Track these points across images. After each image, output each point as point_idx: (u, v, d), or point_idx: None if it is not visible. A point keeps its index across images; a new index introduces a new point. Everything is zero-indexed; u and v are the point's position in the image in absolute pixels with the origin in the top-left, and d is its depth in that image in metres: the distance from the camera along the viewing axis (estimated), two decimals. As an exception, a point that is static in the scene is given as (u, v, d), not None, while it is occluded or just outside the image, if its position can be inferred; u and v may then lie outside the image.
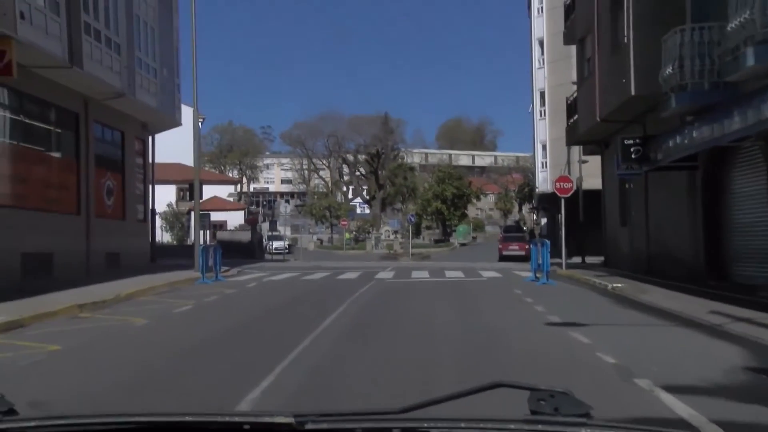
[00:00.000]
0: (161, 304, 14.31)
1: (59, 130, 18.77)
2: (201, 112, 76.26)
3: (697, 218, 16.04)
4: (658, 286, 15.35)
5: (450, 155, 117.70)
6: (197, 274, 20.90)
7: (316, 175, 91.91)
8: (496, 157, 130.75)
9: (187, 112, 63.60)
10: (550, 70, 41.88)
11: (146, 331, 11.00)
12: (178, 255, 42.27)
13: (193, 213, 29.73)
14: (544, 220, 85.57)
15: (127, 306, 14.05)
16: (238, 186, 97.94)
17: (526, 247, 45.30)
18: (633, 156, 16.02)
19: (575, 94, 23.60)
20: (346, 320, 11.81)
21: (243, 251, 42.93)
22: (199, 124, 73.63)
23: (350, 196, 79.52)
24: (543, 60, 42.38)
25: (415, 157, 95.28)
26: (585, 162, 38.89)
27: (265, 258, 45.31)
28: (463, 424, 1.28)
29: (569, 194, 22.98)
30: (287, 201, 58.41)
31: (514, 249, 44.56)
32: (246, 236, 44.52)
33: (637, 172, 18.82)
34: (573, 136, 23.74)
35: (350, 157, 76.03)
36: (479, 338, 9.73)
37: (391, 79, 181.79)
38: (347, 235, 69.76)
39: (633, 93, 16.20)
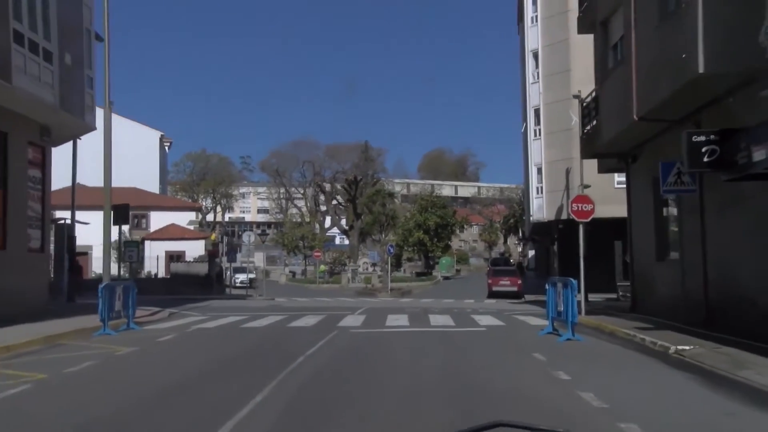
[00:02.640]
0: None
1: None
2: (169, 136, 70.50)
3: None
4: (756, 353, 10.03)
5: (432, 185, 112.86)
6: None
7: (292, 205, 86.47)
8: (479, 187, 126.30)
9: (135, 128, 58.19)
10: (545, 85, 37.09)
11: None
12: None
13: (123, 239, 24.04)
14: (532, 252, 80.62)
15: None
16: (201, 213, 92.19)
17: (518, 282, 40.13)
18: (705, 159, 10.81)
19: (593, 94, 18.50)
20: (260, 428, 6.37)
21: (200, 285, 37.36)
22: (166, 147, 68.00)
23: (327, 225, 74.09)
24: (538, 74, 37.62)
25: (396, 187, 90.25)
26: (587, 187, 33.88)
27: (225, 293, 39.63)
28: None
29: (589, 218, 17.80)
30: (253, 230, 52.81)
31: (506, 284, 39.36)
32: (205, 269, 38.90)
33: (689, 189, 13.68)
34: (591, 148, 18.60)
35: (327, 185, 70.74)
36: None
37: (371, 109, 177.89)
38: (322, 268, 64.31)
39: (701, 70, 11.08)
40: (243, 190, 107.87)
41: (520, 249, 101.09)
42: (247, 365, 10.75)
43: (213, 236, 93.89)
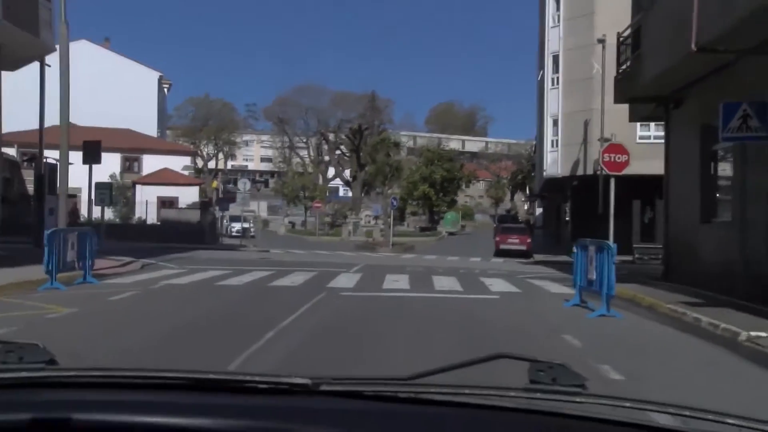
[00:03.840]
0: None
1: None
2: (169, 78, 67.41)
3: None
4: None
5: (440, 139, 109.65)
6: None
7: (295, 154, 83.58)
8: (487, 143, 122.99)
9: (132, 67, 55.10)
10: (566, 29, 34.01)
11: None
12: (107, 236, 34.18)
13: (62, 187, 21.55)
14: (539, 210, 77.95)
15: None
16: (201, 158, 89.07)
17: (528, 240, 37.69)
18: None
19: (635, 26, 15.67)
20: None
21: (191, 234, 35.11)
22: (165, 90, 64.96)
23: (330, 176, 71.46)
24: (558, 17, 34.49)
25: (403, 139, 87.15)
26: (608, 140, 31.09)
27: (217, 243, 37.38)
28: (467, 390, 1.34)
29: (623, 170, 15.26)
30: (249, 178, 50.34)
31: (514, 243, 36.95)
32: (197, 216, 36.56)
33: (759, 136, 11.09)
34: (627, 90, 15.83)
35: (331, 135, 67.84)
36: None
37: (380, 59, 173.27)
38: (326, 219, 61.94)
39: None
40: (246, 137, 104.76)
41: (527, 206, 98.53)
42: (200, 340, 8.39)
43: (214, 183, 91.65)
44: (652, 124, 32.62)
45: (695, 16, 11.23)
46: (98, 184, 19.69)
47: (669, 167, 16.08)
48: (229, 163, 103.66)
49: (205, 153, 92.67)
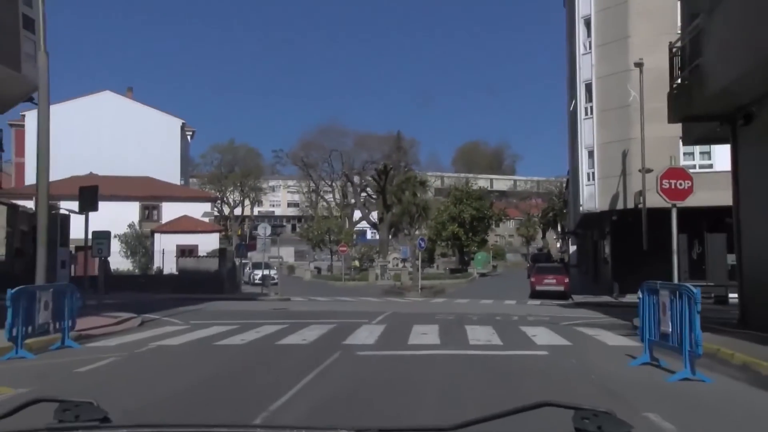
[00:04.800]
0: None
1: None
2: (191, 124, 66.63)
3: None
4: None
5: (467, 178, 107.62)
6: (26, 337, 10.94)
7: (321, 198, 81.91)
8: (515, 181, 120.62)
9: (154, 115, 54.25)
10: (599, 56, 31.95)
11: None
12: (122, 287, 32.49)
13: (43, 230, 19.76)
14: (573, 248, 74.98)
15: None
16: (226, 204, 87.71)
17: (566, 280, 35.10)
18: None
19: (692, 33, 13.49)
20: None
21: (209, 283, 33.29)
22: (189, 137, 64.20)
23: (356, 219, 69.54)
24: (590, 44, 32.49)
25: (430, 179, 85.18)
26: (649, 171, 28.72)
27: (238, 292, 35.44)
28: None
29: (686, 198, 12.96)
30: (273, 224, 48.63)
31: (551, 283, 34.43)
32: (215, 265, 34.74)
33: None
34: (685, 106, 13.58)
35: (356, 177, 66.11)
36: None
37: (405, 100, 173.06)
38: (355, 263, 59.83)
39: None
40: (272, 182, 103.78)
41: (559, 244, 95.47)
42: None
43: (240, 231, 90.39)
44: (697, 152, 30.23)
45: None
46: (95, 234, 17.88)
47: (738, 194, 13.73)
48: (256, 209, 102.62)
49: (230, 200, 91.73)
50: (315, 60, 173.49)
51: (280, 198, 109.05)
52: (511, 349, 11.74)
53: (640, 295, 9.87)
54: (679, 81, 13.87)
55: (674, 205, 12.95)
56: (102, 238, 18.59)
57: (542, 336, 13.68)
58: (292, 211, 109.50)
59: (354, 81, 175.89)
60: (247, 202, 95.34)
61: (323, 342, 12.75)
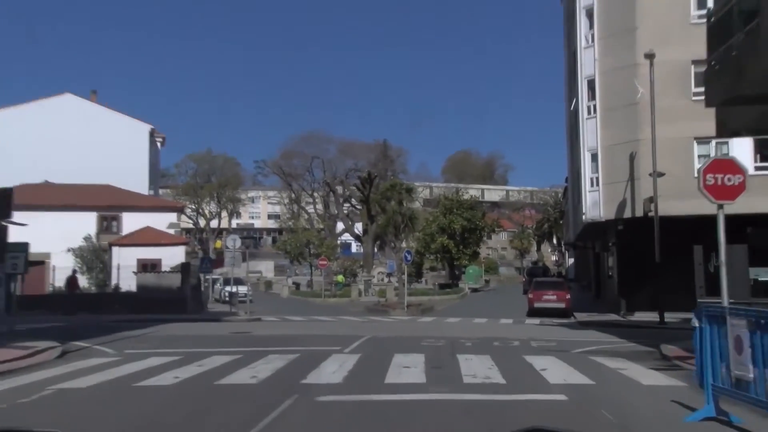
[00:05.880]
0: None
1: None
2: (162, 131, 64.05)
3: None
4: None
5: (457, 189, 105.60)
6: None
7: (303, 210, 79.40)
8: (508, 191, 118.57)
9: (119, 119, 51.61)
10: (603, 49, 29.80)
11: None
12: (70, 309, 29.76)
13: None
14: (571, 261, 72.73)
15: None
16: (196, 216, 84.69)
17: (567, 297, 32.75)
18: None
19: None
20: None
21: (171, 303, 30.68)
22: (158, 144, 61.62)
23: (339, 230, 67.00)
24: (592, 36, 30.33)
25: (418, 189, 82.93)
26: (661, 175, 26.51)
27: (206, 311, 32.88)
28: None
29: (736, 198, 10.64)
30: (247, 236, 46.04)
31: (551, 300, 32.09)
32: (178, 281, 32.10)
33: None
34: (733, 83, 11.26)
35: (339, 187, 63.64)
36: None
37: (394, 110, 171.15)
38: (340, 278, 57.20)
39: None
40: (252, 194, 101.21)
41: (554, 257, 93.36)
42: None
43: (218, 243, 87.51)
44: (713, 153, 28.04)
45: None
46: (10, 246, 15.20)
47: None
48: (234, 222, 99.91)
49: (207, 211, 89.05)
50: (301, 68, 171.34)
51: (260, 210, 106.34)
52: (518, 390, 9.31)
53: (696, 323, 7.49)
54: (715, 60, 11.55)
55: (721, 206, 10.61)
56: (18, 251, 15.96)
57: (554, 370, 11.25)
58: (273, 224, 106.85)
59: (341, 90, 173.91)
60: (224, 213, 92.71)
61: (278, 380, 10.29)
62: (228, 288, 36.48)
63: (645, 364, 11.89)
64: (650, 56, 25.52)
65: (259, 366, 11.87)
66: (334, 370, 11.39)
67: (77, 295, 31.30)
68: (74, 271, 33.27)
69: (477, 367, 11.60)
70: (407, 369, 11.39)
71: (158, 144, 61.01)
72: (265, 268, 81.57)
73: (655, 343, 16.17)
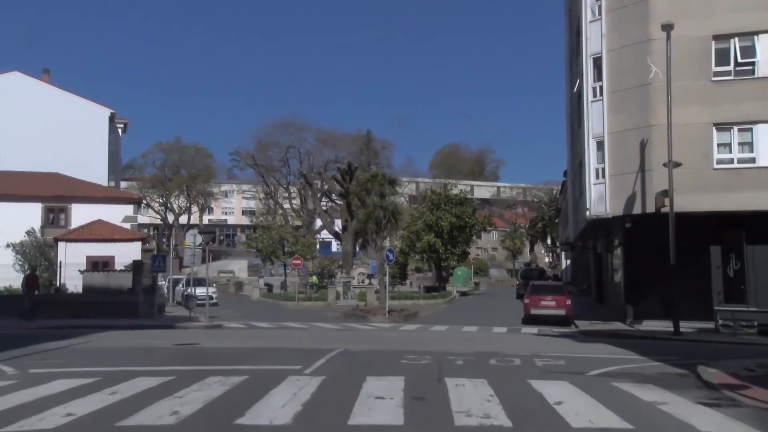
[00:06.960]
0: None
1: None
2: (122, 115, 61.22)
3: None
4: None
5: (445, 185, 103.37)
6: None
7: (278, 205, 76.84)
8: (499, 188, 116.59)
9: (75, 102, 48.71)
10: (611, 23, 27.64)
11: None
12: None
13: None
14: (567, 262, 70.77)
15: None
16: (164, 211, 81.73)
17: (567, 303, 30.53)
18: None
19: None
20: None
21: (121, 306, 28.28)
22: (119, 130, 58.83)
23: (317, 227, 64.56)
24: (599, 8, 28.12)
25: (403, 184, 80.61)
26: (678, 165, 24.31)
27: (162, 315, 30.39)
28: None
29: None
30: (204, 230, 43.57)
31: (550, 306, 29.99)
32: (129, 281, 29.58)
33: None
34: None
35: (317, 178, 61.17)
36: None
37: (379, 102, 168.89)
38: (314, 279, 54.90)
39: None
40: (225, 187, 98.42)
41: (548, 258, 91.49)
42: None
43: (186, 242, 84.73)
44: (735, 144, 25.97)
45: None
46: None
47: None
48: (206, 217, 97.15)
49: (176, 206, 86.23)
50: (281, 55, 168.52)
51: (234, 205, 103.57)
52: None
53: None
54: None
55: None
56: None
57: (572, 404, 8.94)
58: (247, 220, 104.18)
59: (324, 81, 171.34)
60: (195, 208, 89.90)
61: (203, 420, 7.92)
62: (193, 289, 33.99)
63: (688, 396, 9.62)
64: (668, 27, 23.34)
65: (189, 395, 9.51)
66: (284, 402, 9.03)
67: (7, 297, 28.71)
68: (33, 269, 30.77)
69: (471, 399, 9.29)
70: (380, 401, 9.05)
71: (119, 131, 58.25)
72: (238, 267, 79.01)
73: (684, 362, 13.98)
